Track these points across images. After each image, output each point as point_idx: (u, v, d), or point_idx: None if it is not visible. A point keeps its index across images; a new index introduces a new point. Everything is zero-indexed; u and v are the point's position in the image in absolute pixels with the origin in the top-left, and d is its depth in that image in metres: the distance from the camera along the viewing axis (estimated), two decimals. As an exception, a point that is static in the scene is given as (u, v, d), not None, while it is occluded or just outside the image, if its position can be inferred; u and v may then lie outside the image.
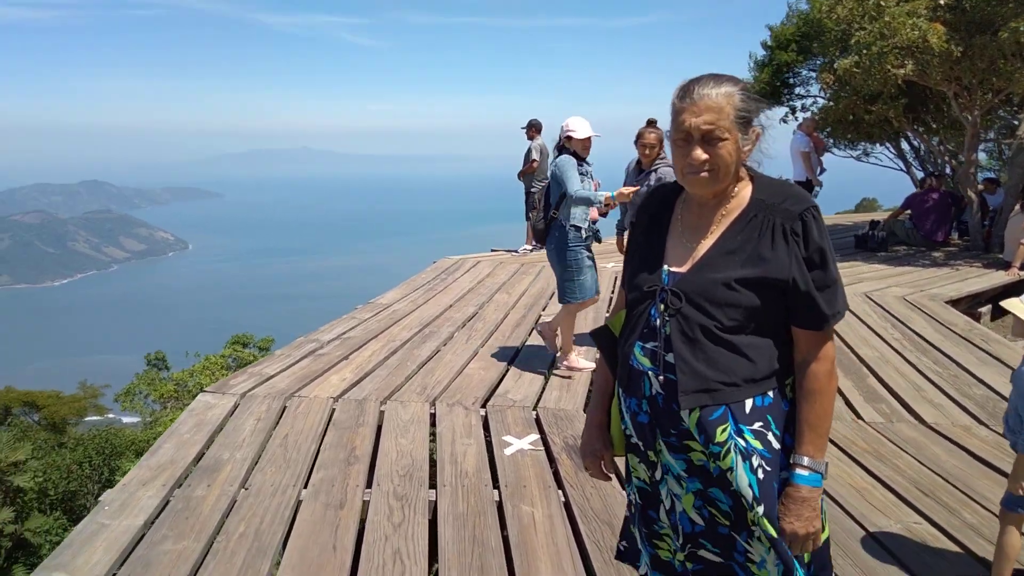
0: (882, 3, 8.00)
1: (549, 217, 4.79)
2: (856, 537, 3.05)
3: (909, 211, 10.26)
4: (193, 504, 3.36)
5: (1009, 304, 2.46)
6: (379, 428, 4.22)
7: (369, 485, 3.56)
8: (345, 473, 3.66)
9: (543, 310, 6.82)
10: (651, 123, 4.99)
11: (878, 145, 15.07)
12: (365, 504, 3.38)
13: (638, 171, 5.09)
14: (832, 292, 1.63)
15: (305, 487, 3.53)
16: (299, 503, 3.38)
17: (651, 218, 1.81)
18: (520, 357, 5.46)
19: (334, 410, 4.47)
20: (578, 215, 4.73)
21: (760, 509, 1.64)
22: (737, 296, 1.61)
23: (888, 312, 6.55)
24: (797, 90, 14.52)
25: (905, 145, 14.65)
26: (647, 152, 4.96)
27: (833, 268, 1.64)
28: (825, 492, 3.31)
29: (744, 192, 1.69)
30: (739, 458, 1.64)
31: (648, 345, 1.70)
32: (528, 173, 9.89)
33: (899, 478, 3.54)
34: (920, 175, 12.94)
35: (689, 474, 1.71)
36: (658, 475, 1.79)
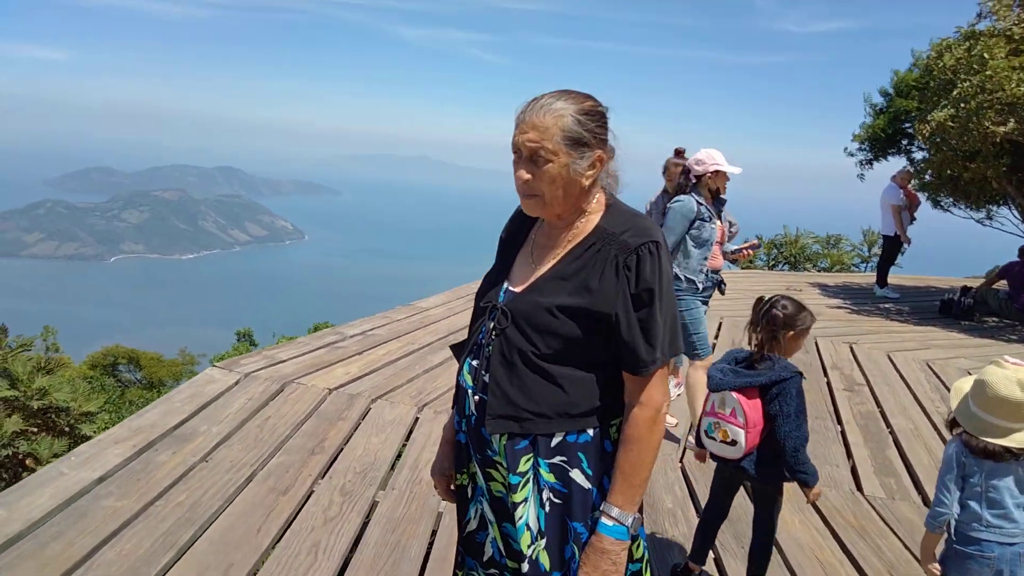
0: (987, 55, 7.42)
1: None
2: (797, 614, 2.79)
3: (1005, 280, 9.41)
4: (151, 468, 3.48)
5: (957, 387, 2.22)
6: (359, 424, 4.24)
7: (323, 477, 3.58)
8: (304, 461, 3.70)
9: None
10: (679, 153, 4.79)
11: (1002, 207, 13.91)
12: (310, 494, 3.40)
13: (667, 202, 4.90)
14: (654, 336, 1.51)
15: (262, 469, 3.59)
16: (248, 482, 3.44)
17: (511, 235, 1.76)
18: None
19: (324, 400, 4.54)
20: (691, 263, 4.13)
21: (542, 542, 1.56)
22: (558, 324, 1.52)
23: (944, 384, 6.01)
24: (917, 141, 13.61)
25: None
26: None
27: (662, 311, 1.52)
28: (786, 561, 3.11)
29: (593, 219, 1.60)
30: (533, 490, 1.55)
31: (474, 363, 1.63)
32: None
33: (875, 559, 3.22)
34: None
35: (491, 503, 1.64)
36: (469, 493, 1.72)
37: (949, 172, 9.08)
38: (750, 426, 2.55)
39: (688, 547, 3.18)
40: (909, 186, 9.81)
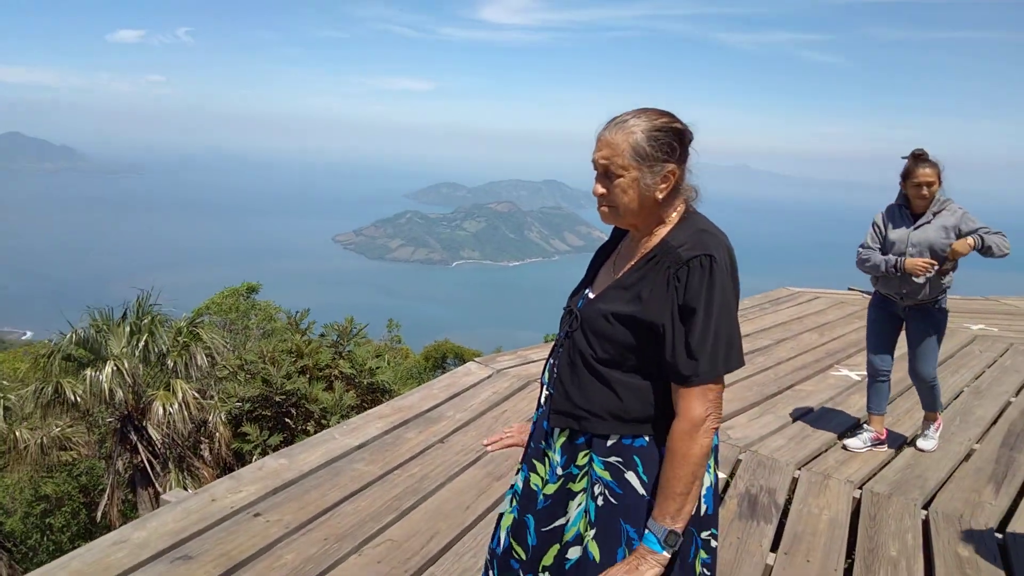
0: None
1: None
2: None
3: None
4: (399, 443, 4.10)
5: None
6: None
7: (536, 470, 3.87)
8: (522, 453, 4.02)
9: (840, 362, 6.12)
10: (919, 156, 3.83)
11: None
12: (521, 484, 3.71)
13: (910, 218, 3.91)
14: (697, 349, 1.51)
15: (486, 455, 4.00)
16: (471, 465, 3.87)
17: (606, 245, 1.86)
18: (775, 403, 5.08)
19: (560, 402, 4.83)
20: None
21: (591, 532, 1.64)
22: (612, 330, 1.60)
23: None
24: None
25: None
26: (924, 192, 3.81)
27: (710, 325, 1.52)
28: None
29: (663, 232, 1.66)
30: (588, 483, 1.64)
31: (551, 360, 1.77)
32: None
33: None
34: None
35: (521, 496, 1.75)
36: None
37: None
38: None
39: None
40: None
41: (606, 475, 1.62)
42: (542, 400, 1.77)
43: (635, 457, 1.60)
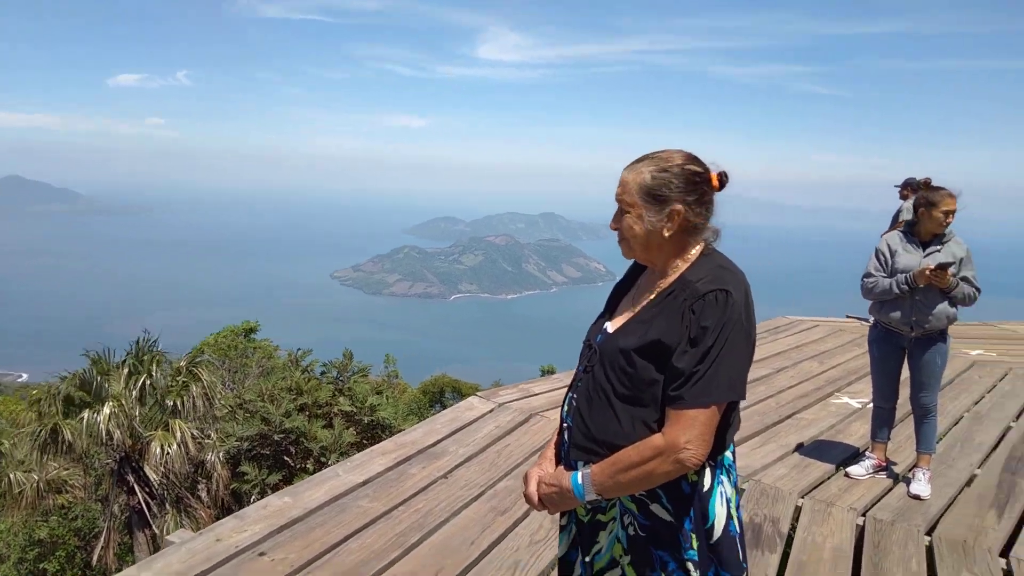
0: None
1: None
2: None
3: None
4: (403, 478, 4.10)
5: None
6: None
7: (540, 504, 3.86)
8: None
9: (840, 390, 6.14)
10: (928, 184, 3.97)
11: None
12: (524, 517, 3.71)
13: (919, 245, 3.94)
14: (693, 375, 1.55)
15: (490, 489, 4.00)
16: (475, 500, 3.87)
17: (625, 279, 1.89)
18: (777, 432, 5.09)
19: (562, 434, 4.85)
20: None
21: (627, 559, 1.70)
22: (629, 365, 1.63)
23: None
24: None
25: None
26: (949, 220, 3.84)
27: (710, 354, 1.55)
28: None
29: (680, 269, 1.70)
30: (618, 512, 1.71)
31: (571, 395, 1.79)
32: (894, 235, 8.85)
33: None
34: None
35: (578, 526, 1.80)
36: (564, 520, 1.87)
37: None
38: None
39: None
40: None
41: (633, 507, 1.67)
42: (566, 435, 1.80)
43: (658, 490, 1.63)
